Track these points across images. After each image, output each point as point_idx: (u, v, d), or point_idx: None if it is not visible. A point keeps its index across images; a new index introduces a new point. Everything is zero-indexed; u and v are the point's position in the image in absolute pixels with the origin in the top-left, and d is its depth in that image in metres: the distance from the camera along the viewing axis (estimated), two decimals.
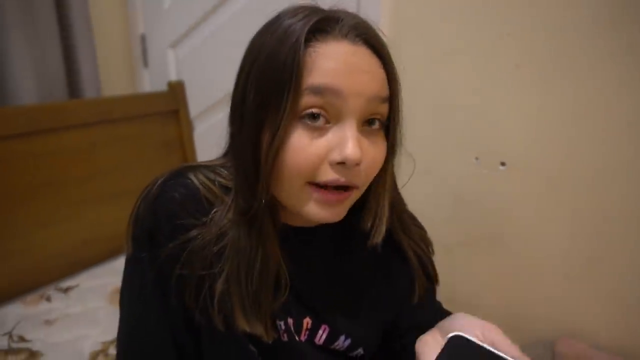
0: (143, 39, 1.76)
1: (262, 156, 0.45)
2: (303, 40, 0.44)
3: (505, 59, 0.96)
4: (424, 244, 0.63)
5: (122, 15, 1.76)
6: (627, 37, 0.83)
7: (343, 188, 0.46)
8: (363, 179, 0.47)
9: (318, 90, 0.44)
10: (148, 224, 0.51)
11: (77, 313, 1.06)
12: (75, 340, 0.98)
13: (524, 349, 1.09)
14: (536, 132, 0.96)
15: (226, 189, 0.53)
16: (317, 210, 0.47)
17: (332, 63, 0.44)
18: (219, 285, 0.50)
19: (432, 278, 0.64)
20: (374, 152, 0.47)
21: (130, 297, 0.55)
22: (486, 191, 1.04)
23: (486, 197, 1.04)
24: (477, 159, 1.03)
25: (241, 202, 0.49)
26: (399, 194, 0.61)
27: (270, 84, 0.44)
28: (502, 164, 1.00)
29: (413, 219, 0.65)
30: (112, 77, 1.71)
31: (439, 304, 0.67)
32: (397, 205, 0.61)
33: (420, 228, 0.65)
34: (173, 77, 1.70)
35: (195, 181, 0.52)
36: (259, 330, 0.50)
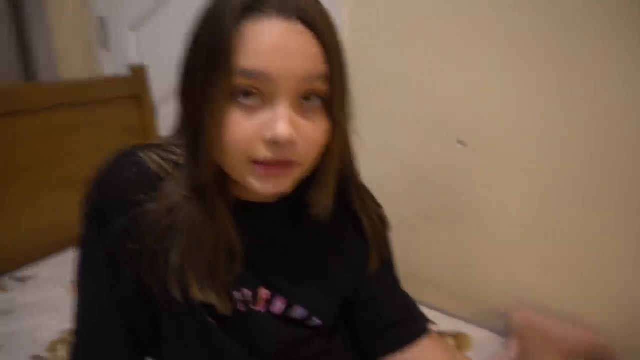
0: (102, 21, 1.70)
1: (201, 133, 0.46)
2: (233, 21, 0.44)
3: (461, 38, 0.97)
4: (378, 219, 0.64)
5: None
6: (581, 9, 0.85)
7: (284, 163, 0.47)
8: (302, 156, 0.48)
9: (248, 74, 0.44)
10: (97, 202, 0.52)
11: (35, 302, 1.04)
12: (34, 329, 0.96)
13: (481, 319, 1.14)
14: (492, 110, 0.98)
15: (177, 165, 0.53)
16: (259, 184, 0.48)
17: (261, 45, 0.44)
18: (173, 258, 0.50)
19: (386, 254, 0.65)
20: (311, 129, 0.47)
21: (84, 275, 0.55)
22: (445, 169, 1.06)
23: (445, 174, 1.07)
24: (435, 137, 1.06)
25: (189, 177, 0.50)
26: (355, 169, 0.61)
27: (205, 64, 0.45)
28: (460, 142, 1.03)
29: (368, 193, 0.66)
30: (70, 61, 1.65)
31: (397, 282, 0.69)
32: (355, 180, 0.62)
33: (377, 205, 0.66)
34: (134, 60, 1.65)
35: (146, 158, 0.52)
36: (213, 299, 0.51)
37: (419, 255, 1.15)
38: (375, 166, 1.13)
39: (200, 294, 0.51)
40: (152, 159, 0.53)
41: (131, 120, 1.43)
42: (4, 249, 1.14)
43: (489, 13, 0.93)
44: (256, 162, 0.46)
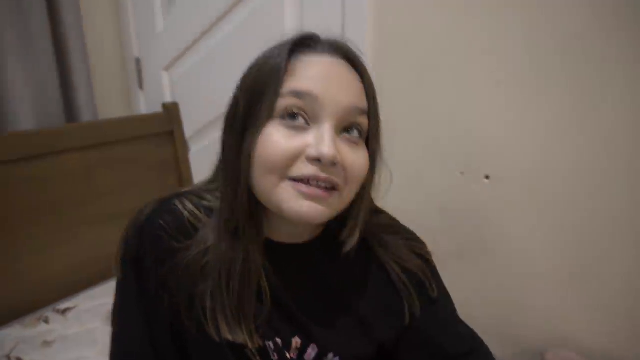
0: (138, 62, 1.80)
1: (243, 153, 0.49)
2: (288, 50, 0.49)
3: (486, 75, 0.99)
4: (417, 258, 0.62)
5: (117, 39, 1.81)
6: (604, 48, 0.86)
7: (324, 188, 0.48)
8: (344, 180, 0.49)
9: (298, 94, 0.48)
10: (134, 249, 0.54)
11: (75, 334, 1.07)
12: None
13: (514, 358, 1.09)
14: (518, 146, 0.98)
15: (211, 212, 0.55)
16: (298, 206, 0.47)
17: (313, 71, 0.49)
18: (207, 299, 0.52)
19: (432, 292, 0.62)
20: (354, 157, 0.50)
21: (120, 318, 0.58)
22: (472, 204, 1.06)
23: (473, 210, 1.07)
24: (462, 173, 1.06)
25: (225, 210, 0.52)
26: (378, 213, 0.62)
27: (256, 89, 0.49)
28: (487, 177, 1.03)
29: (411, 234, 0.65)
30: (108, 100, 1.74)
31: (454, 314, 0.66)
32: (377, 225, 0.61)
33: (415, 240, 0.64)
34: (168, 98, 1.73)
35: (180, 207, 0.55)
36: (240, 337, 0.52)
37: (449, 292, 1.13)
38: (404, 201, 1.13)
39: (228, 331, 0.51)
40: (185, 207, 0.55)
41: (165, 156, 1.49)
42: (47, 282, 1.19)
43: (515, 48, 0.95)
44: (295, 179, 0.47)
